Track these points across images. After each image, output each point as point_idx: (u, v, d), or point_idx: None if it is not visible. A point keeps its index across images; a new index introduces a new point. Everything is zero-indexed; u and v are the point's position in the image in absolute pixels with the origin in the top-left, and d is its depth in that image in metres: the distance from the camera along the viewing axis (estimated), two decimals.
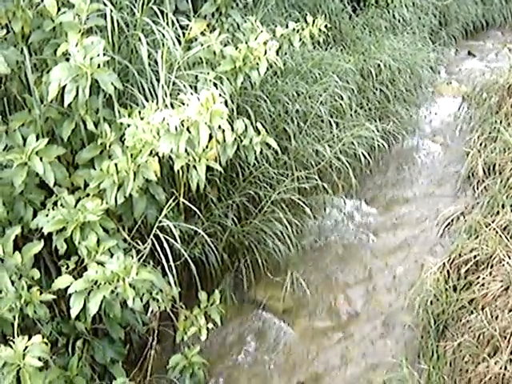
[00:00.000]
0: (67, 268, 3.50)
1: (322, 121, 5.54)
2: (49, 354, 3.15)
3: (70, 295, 3.21)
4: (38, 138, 3.51)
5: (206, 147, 3.47)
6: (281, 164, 5.02)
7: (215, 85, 4.00)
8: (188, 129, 3.17)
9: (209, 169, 3.77)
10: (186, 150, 3.32)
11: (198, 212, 4.23)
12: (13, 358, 2.94)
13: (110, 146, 3.68)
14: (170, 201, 3.73)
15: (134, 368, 4.13)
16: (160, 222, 3.69)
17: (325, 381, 4.32)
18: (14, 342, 2.99)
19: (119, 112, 3.76)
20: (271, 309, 4.82)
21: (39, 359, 2.96)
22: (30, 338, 3.03)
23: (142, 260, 3.51)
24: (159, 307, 3.77)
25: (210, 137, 3.31)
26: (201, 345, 4.13)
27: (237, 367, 4.42)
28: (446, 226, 5.67)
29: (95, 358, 3.77)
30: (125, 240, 3.70)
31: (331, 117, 5.61)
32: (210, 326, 4.04)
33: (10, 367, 2.93)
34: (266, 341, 4.61)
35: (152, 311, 3.81)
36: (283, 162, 5.05)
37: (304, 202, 4.96)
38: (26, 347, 2.98)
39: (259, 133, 4.22)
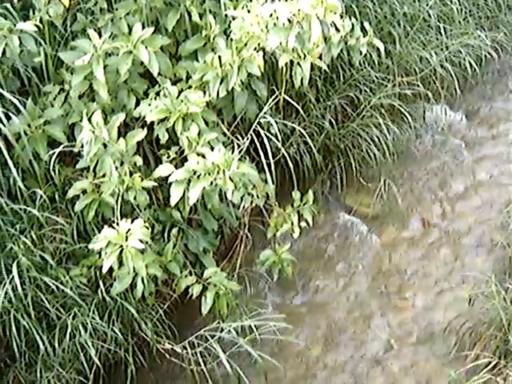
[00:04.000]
0: (168, 157, 3.58)
1: (430, 26, 5.27)
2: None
3: (170, 184, 3.30)
4: (143, 27, 3.52)
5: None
6: (383, 68, 4.86)
7: None
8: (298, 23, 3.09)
9: (311, 67, 3.69)
10: None
11: (297, 110, 4.19)
12: (116, 238, 3.08)
13: (213, 39, 3.66)
14: (270, 99, 3.71)
15: (223, 259, 4.27)
16: (260, 118, 3.68)
17: (408, 290, 4.33)
18: (117, 224, 3.12)
19: (225, 4, 3.70)
20: (360, 214, 4.80)
21: (140, 242, 3.09)
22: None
23: (240, 155, 3.53)
24: (252, 202, 3.83)
25: None
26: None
27: (320, 269, 4.48)
28: None
29: (188, 246, 3.91)
30: (224, 134, 3.73)
31: (439, 22, 5.34)
32: (303, 224, 4.09)
33: (114, 247, 3.08)
34: (351, 245, 4.63)
35: (244, 206, 3.86)
36: (386, 66, 4.88)
37: (404, 109, 4.83)
38: (129, 230, 3.11)
39: (365, 33, 4.08)
